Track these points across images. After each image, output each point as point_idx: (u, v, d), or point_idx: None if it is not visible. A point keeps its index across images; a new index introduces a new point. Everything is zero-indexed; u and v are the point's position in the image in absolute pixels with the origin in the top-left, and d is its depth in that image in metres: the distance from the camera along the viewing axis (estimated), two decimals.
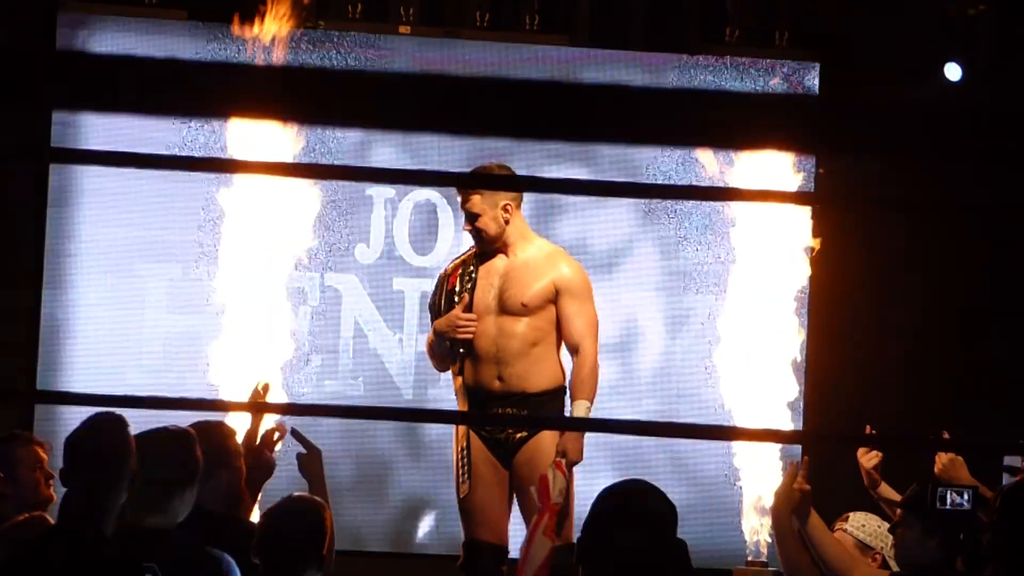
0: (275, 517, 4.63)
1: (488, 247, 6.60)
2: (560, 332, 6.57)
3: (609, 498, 3.70)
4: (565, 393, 6.61)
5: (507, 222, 6.55)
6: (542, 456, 6.48)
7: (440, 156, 8.48)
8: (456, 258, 6.87)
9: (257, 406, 5.94)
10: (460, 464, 6.57)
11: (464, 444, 6.55)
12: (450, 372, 6.67)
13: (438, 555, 8.26)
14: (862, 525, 5.90)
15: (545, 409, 6.50)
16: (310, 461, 5.41)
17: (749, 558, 7.13)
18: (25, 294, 8.55)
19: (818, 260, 8.67)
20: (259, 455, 5.46)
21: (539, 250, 6.64)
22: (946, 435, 6.06)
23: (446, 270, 6.75)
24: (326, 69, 8.32)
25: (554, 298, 6.54)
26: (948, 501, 5.21)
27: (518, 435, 6.51)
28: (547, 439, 6.50)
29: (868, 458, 5.97)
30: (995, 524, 4.75)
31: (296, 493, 4.91)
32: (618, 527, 3.63)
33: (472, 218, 6.55)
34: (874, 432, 6.46)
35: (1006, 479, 6.10)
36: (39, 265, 8.53)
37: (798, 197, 8.31)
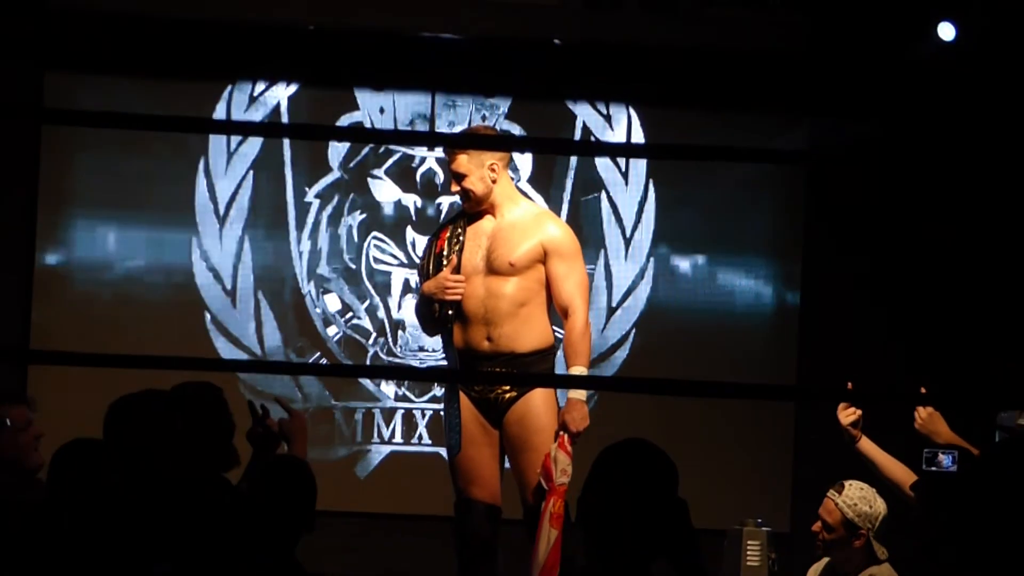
0: (269, 478, 4.66)
1: (476, 208, 6.60)
2: (549, 293, 6.58)
3: (609, 457, 3.69)
4: (554, 353, 6.62)
5: (494, 182, 6.56)
6: (532, 416, 6.49)
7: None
8: (445, 222, 6.88)
9: (252, 365, 5.98)
10: (450, 424, 6.58)
11: (453, 404, 6.57)
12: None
13: (432, 516, 8.28)
14: (853, 504, 5.89)
15: (535, 369, 6.50)
16: (294, 424, 5.51)
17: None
18: (18, 252, 8.56)
19: (813, 216, 8.67)
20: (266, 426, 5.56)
21: (526, 211, 6.64)
22: (924, 390, 6.12)
23: (435, 234, 6.75)
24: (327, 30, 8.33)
25: (542, 258, 6.53)
26: (935, 463, 5.27)
27: (507, 395, 6.52)
28: (537, 399, 6.50)
29: (846, 415, 6.00)
30: (979, 483, 4.78)
31: (281, 454, 4.94)
32: (618, 487, 3.63)
33: (459, 178, 6.55)
34: (852, 387, 6.49)
35: (999, 438, 6.13)
36: (33, 223, 8.54)
37: (791, 156, 8.30)
